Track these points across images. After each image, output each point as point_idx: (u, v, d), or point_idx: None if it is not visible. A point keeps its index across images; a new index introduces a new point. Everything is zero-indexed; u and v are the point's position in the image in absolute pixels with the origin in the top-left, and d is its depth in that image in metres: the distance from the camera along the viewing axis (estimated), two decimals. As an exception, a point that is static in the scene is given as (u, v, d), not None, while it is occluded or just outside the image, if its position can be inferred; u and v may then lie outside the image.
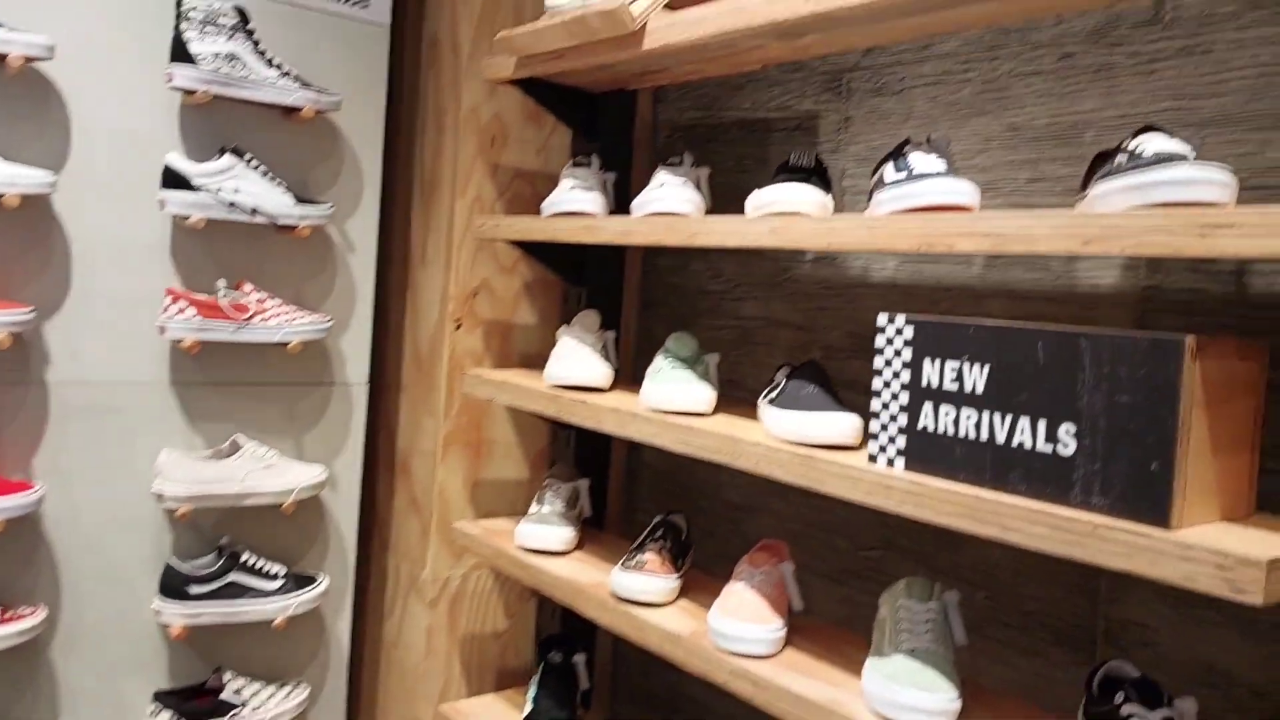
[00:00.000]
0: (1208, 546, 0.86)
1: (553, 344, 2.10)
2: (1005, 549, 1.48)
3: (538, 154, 2.04)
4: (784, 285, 1.86)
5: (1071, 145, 1.43)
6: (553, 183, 2.06)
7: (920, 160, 1.17)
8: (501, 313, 2.02)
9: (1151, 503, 0.90)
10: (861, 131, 1.73)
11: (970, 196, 1.08)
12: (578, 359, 1.66)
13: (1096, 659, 1.37)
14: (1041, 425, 0.99)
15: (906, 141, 1.23)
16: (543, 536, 1.72)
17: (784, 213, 1.28)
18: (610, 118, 1.93)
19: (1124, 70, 1.38)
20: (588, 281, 1.95)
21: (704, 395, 1.44)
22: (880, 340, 1.14)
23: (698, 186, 1.56)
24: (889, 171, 1.20)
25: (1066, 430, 0.97)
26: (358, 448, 2.00)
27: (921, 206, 1.10)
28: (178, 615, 1.69)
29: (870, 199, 1.24)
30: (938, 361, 1.08)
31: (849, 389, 1.73)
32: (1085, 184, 1.08)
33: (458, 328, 1.96)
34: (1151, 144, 0.95)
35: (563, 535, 1.73)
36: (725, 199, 1.98)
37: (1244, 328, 1.24)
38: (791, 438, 1.25)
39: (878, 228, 1.11)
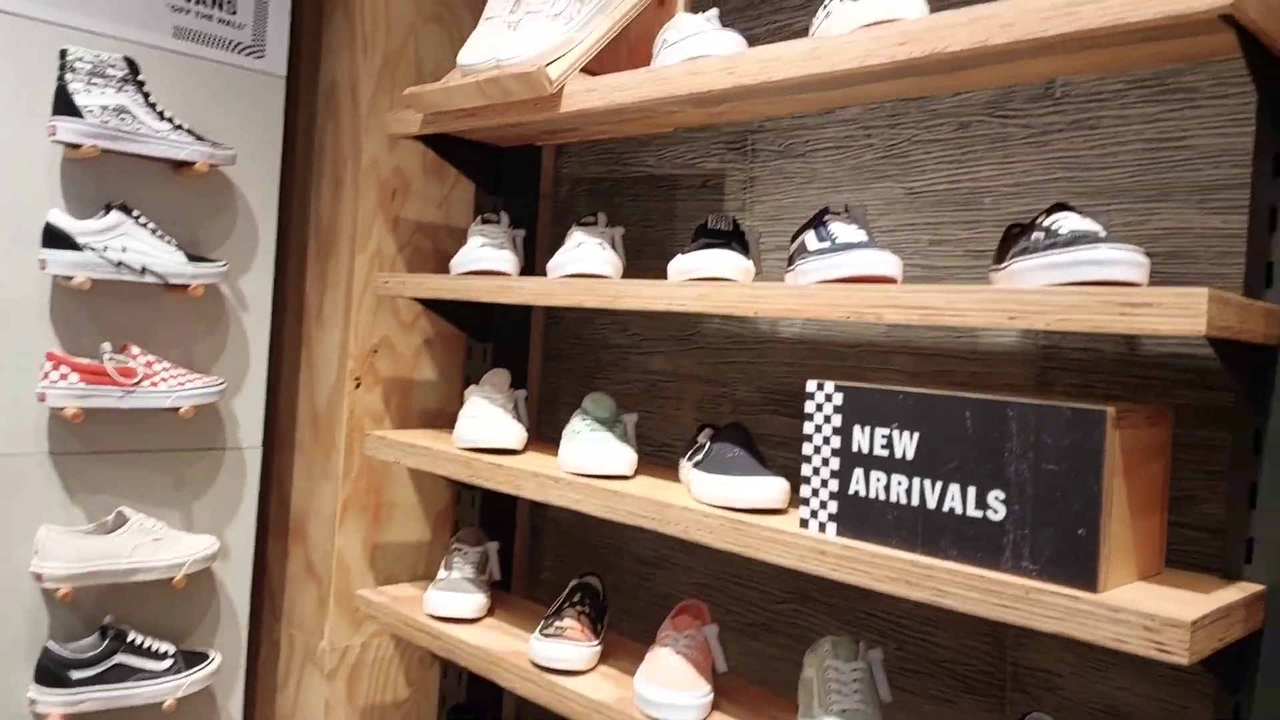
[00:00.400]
0: (1135, 609, 0.89)
1: (456, 399, 2.05)
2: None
3: (439, 207, 2.00)
4: (693, 339, 1.87)
5: (970, 210, 1.50)
6: (455, 236, 2.03)
7: (842, 230, 1.20)
8: (402, 370, 1.96)
9: (1079, 567, 0.94)
10: (767, 191, 1.77)
11: (895, 268, 1.11)
12: (490, 420, 1.62)
13: (1005, 705, 1.42)
14: (971, 492, 1.02)
15: (826, 211, 1.26)
16: (453, 604, 1.67)
17: (709, 278, 1.29)
18: (515, 172, 1.91)
19: (1018, 141, 1.45)
20: (493, 337, 1.92)
21: (625, 458, 1.43)
22: (810, 406, 1.16)
23: (613, 245, 1.56)
24: (811, 240, 1.22)
25: (995, 497, 1.00)
26: (250, 515, 1.90)
27: (849, 277, 1.12)
28: (57, 704, 1.56)
29: (791, 265, 1.26)
30: (868, 428, 1.10)
31: (763, 443, 1.75)
32: (1001, 257, 1.13)
33: (357, 386, 1.90)
34: (1067, 222, 1.00)
35: (474, 601, 1.68)
36: (633, 254, 1.98)
37: (1135, 385, 1.31)
38: (719, 502, 1.25)
39: (808, 296, 1.12)
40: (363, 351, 1.90)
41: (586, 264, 1.46)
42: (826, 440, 1.14)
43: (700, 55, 1.29)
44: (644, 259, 1.97)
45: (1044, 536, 0.96)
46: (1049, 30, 0.95)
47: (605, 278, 1.47)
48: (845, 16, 1.13)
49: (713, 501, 1.26)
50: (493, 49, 1.52)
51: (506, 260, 1.63)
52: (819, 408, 1.15)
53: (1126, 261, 0.91)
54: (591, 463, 1.42)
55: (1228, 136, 1.26)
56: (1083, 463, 0.94)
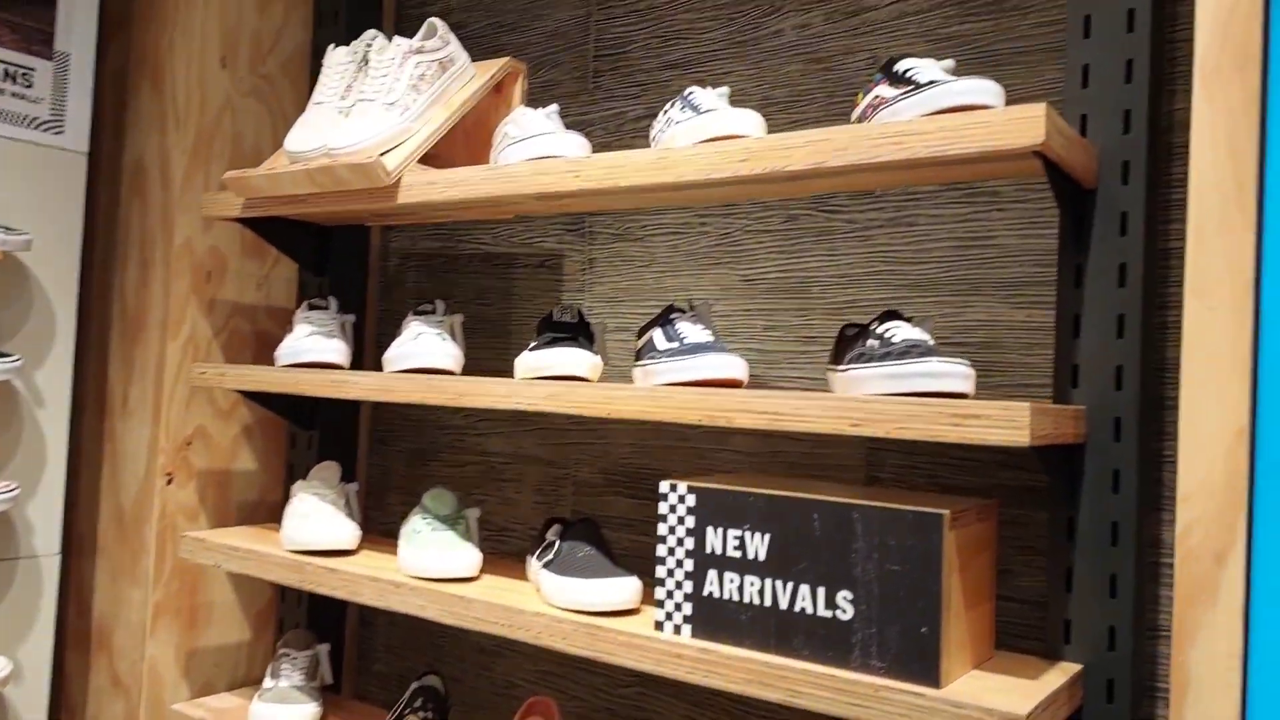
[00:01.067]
0: (977, 704, 0.94)
1: (278, 489, 1.95)
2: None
3: (259, 287, 1.91)
4: (532, 420, 1.85)
5: (801, 298, 1.57)
6: (276, 317, 1.94)
7: (689, 329, 1.22)
8: (219, 461, 1.85)
9: (923, 664, 0.98)
10: (606, 273, 1.79)
11: (742, 371, 1.14)
12: (321, 519, 1.55)
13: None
14: (821, 592, 1.05)
15: (672, 309, 1.29)
16: (283, 717, 1.57)
17: (560, 376, 1.29)
18: (343, 252, 1.85)
19: (842, 235, 1.53)
20: (319, 424, 1.84)
21: (469, 559, 1.40)
22: (663, 507, 1.17)
23: (453, 334, 1.53)
24: (659, 339, 1.24)
25: (844, 596, 1.03)
26: (48, 628, 1.73)
27: (699, 380, 1.14)
28: None
29: (640, 360, 1.28)
30: (720, 530, 1.12)
31: (607, 525, 1.74)
32: (838, 358, 1.18)
33: (169, 482, 1.77)
34: (900, 332, 1.06)
35: (305, 712, 1.59)
36: (468, 333, 1.95)
37: (956, 465, 1.40)
38: (571, 605, 1.24)
39: (661, 399, 1.14)
40: (175, 445, 1.77)
41: (427, 358, 1.42)
42: (680, 541, 1.15)
43: (546, 156, 1.29)
44: (479, 336, 1.94)
45: (890, 635, 1.00)
46: (880, 157, 1.01)
47: (448, 373, 1.44)
48: (689, 130, 1.16)
49: (565, 605, 1.24)
50: (323, 136, 1.47)
51: (337, 351, 1.56)
52: (672, 509, 1.16)
53: (955, 374, 0.98)
54: (434, 565, 1.38)
55: (1029, 238, 1.38)
56: (923, 563, 0.99)
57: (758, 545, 1.09)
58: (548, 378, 1.29)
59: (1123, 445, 1.06)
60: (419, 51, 1.48)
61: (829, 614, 1.04)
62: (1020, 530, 1.35)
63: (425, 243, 2.04)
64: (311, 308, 1.66)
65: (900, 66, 1.10)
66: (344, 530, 1.54)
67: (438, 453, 1.98)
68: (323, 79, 1.53)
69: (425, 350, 1.42)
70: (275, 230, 1.75)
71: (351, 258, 1.88)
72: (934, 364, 0.97)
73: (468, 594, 1.30)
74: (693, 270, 1.68)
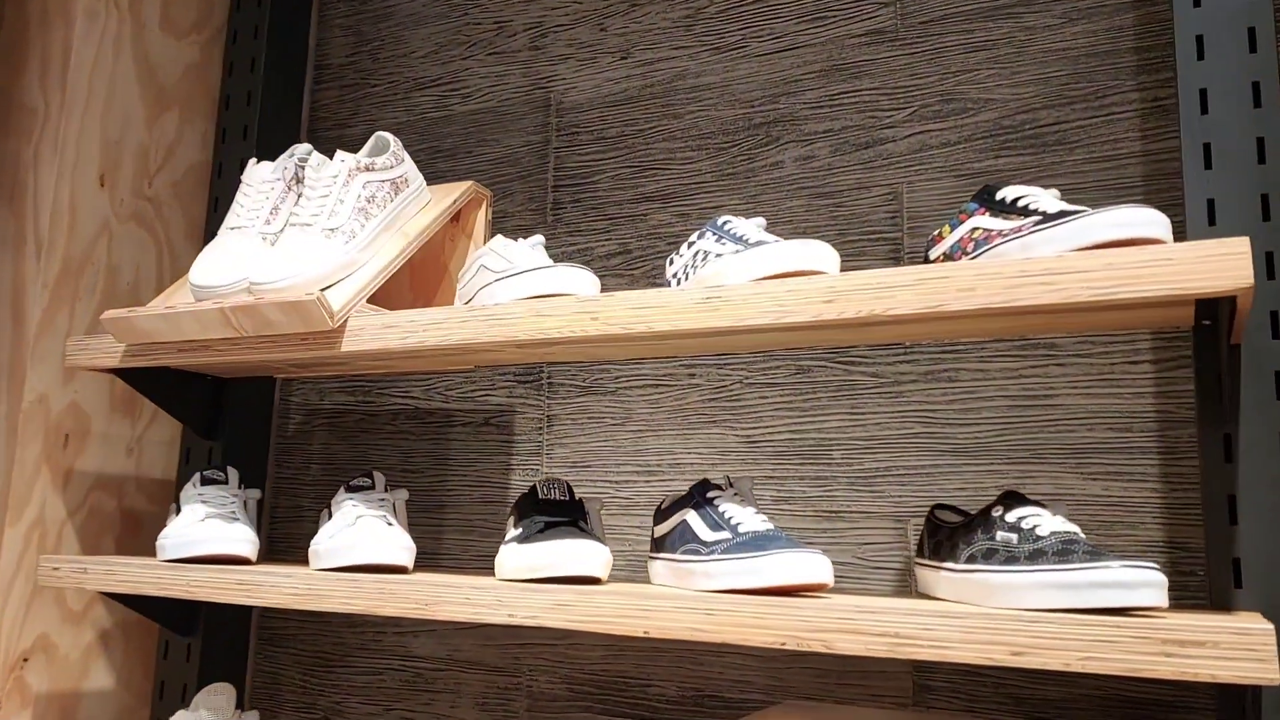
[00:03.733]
0: None
1: (142, 714, 1.52)
2: None
3: (129, 454, 1.54)
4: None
5: (819, 465, 1.33)
6: (149, 492, 1.56)
7: (740, 513, 0.96)
8: (66, 680, 1.43)
9: None
10: (569, 433, 1.51)
11: (830, 573, 0.88)
12: (216, 763, 1.16)
13: None
14: None
15: (707, 486, 1.02)
16: None
17: (565, 577, 0.99)
18: (239, 410, 1.51)
19: (867, 390, 1.32)
20: (201, 629, 1.45)
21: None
22: (726, 762, 0.87)
23: (397, 517, 1.21)
24: (699, 526, 0.97)
25: None
26: None
27: (773, 588, 0.87)
28: None
29: (671, 555, 1.00)
30: (815, 794, 0.83)
31: (571, 750, 1.41)
32: (939, 552, 0.93)
33: (-3, 709, 1.34)
34: (1042, 521, 0.83)
35: None
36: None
37: (1028, 671, 1.15)
38: None
39: (721, 615, 0.86)
40: (9, 662, 1.35)
41: (375, 551, 1.10)
42: (755, 810, 0.85)
43: (550, 294, 1.03)
44: (408, 512, 1.61)
45: None
46: (1020, 300, 0.80)
47: (400, 570, 1.12)
48: (744, 265, 0.93)
49: None
50: (244, 268, 1.16)
51: (244, 541, 1.21)
52: (740, 763, 0.86)
53: (1150, 583, 0.74)
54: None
55: (1095, 397, 1.19)
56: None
57: (873, 816, 0.80)
58: (549, 579, 0.99)
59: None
60: (367, 169, 1.21)
61: None
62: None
63: (336, 397, 1.72)
64: (205, 482, 1.31)
65: (1006, 194, 0.91)
66: (247, 782, 1.15)
67: (345, 657, 1.60)
68: (241, 199, 1.24)
69: (372, 542, 1.10)
70: (158, 383, 1.41)
71: (250, 418, 1.54)
72: (1119, 570, 0.74)
73: None
74: (680, 429, 1.43)
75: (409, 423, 1.65)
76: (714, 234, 1.03)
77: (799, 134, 1.42)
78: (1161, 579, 0.75)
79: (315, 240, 1.14)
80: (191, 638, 1.44)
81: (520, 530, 1.07)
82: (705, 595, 0.88)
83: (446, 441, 1.62)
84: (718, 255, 0.99)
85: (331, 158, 1.34)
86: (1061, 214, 0.84)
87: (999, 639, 0.76)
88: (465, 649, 1.52)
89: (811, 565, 0.87)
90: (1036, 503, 0.88)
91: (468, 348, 1.07)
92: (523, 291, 1.04)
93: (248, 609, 1.55)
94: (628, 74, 1.56)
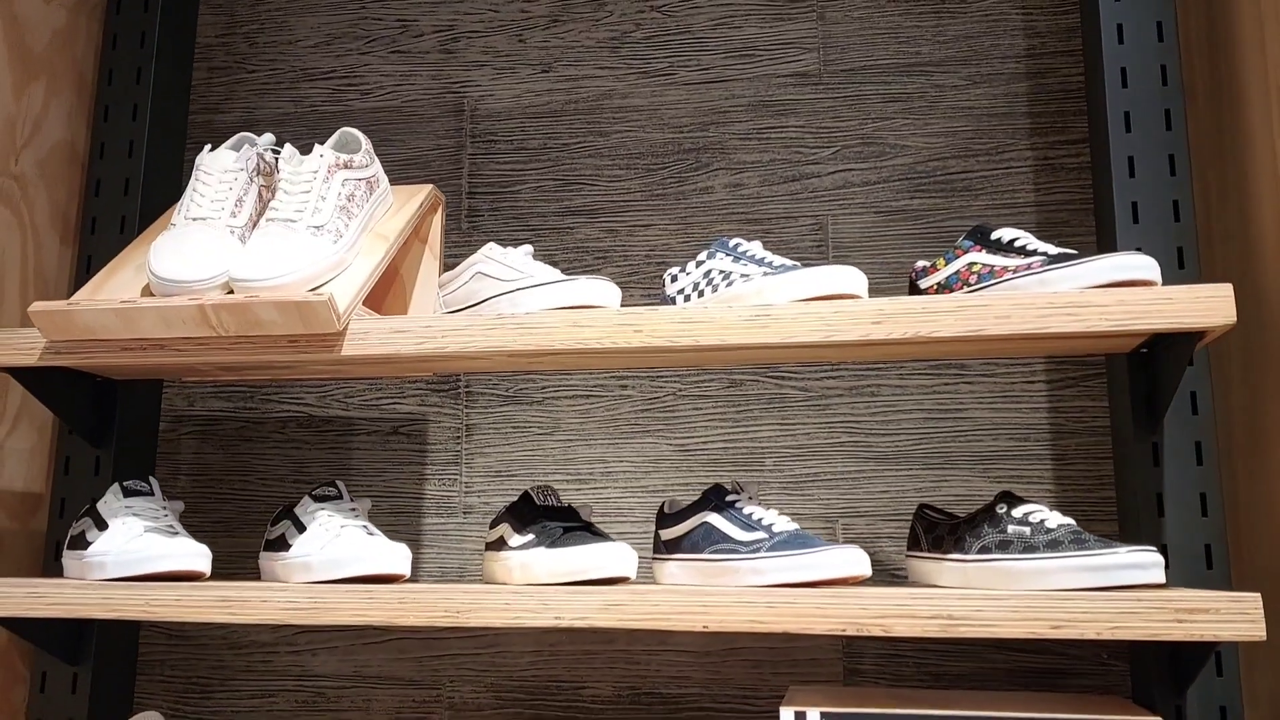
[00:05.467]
0: None
1: (4, 758, 1.34)
2: None
3: (-10, 463, 1.35)
4: (382, 629, 1.47)
5: (752, 471, 1.43)
6: (9, 507, 1.37)
7: (767, 516, 1.04)
8: (-83, 724, 1.23)
9: None
10: (491, 442, 1.51)
11: (869, 567, 0.98)
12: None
13: None
14: (1019, 829, 0.89)
15: (722, 490, 1.09)
16: None
17: (599, 580, 1.02)
18: (130, 414, 1.37)
19: (797, 403, 1.43)
20: (91, 654, 1.30)
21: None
22: (786, 744, 0.94)
23: (369, 520, 1.17)
24: (729, 528, 1.03)
25: (1051, 831, 0.89)
26: None
27: (823, 580, 0.96)
28: None
29: (694, 555, 1.05)
30: (873, 765, 0.92)
31: (505, 759, 1.41)
32: (941, 545, 1.06)
33: None
34: (1048, 516, 0.98)
35: None
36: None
37: (944, 652, 1.31)
38: None
39: (781, 607, 0.93)
40: None
41: (375, 561, 1.06)
42: (816, 785, 0.93)
43: (580, 305, 1.05)
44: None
45: None
46: (1049, 328, 0.94)
47: (395, 579, 1.09)
48: (786, 286, 1.01)
49: None
50: (220, 263, 1.08)
51: (199, 555, 1.12)
52: (800, 744, 0.94)
53: (1158, 565, 0.91)
54: None
55: (1000, 411, 1.38)
56: (1148, 782, 0.88)
57: (928, 779, 0.91)
58: (584, 582, 1.02)
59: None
60: (346, 166, 1.17)
61: None
62: None
63: (209, 403, 1.60)
64: (129, 493, 1.19)
65: (1001, 235, 1.06)
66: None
67: (227, 681, 1.49)
68: (201, 189, 1.15)
69: (374, 551, 1.06)
70: (48, 382, 1.25)
71: (140, 423, 1.40)
72: (1141, 554, 0.90)
73: None
74: (611, 439, 1.48)
75: (301, 431, 1.57)
76: (727, 255, 1.10)
77: (729, 162, 1.52)
78: (1162, 560, 0.91)
79: (302, 238, 1.09)
80: (80, 666, 1.29)
81: (533, 536, 1.08)
82: (764, 589, 0.95)
83: (348, 451, 1.56)
84: (744, 276, 1.06)
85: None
86: (1063, 256, 0.99)
87: (1040, 616, 0.90)
88: (374, 664, 1.47)
89: (859, 559, 0.96)
90: (1033, 501, 1.03)
91: (474, 354, 1.07)
92: (553, 302, 1.05)
93: (135, 634, 1.41)
94: (550, 87, 1.59)
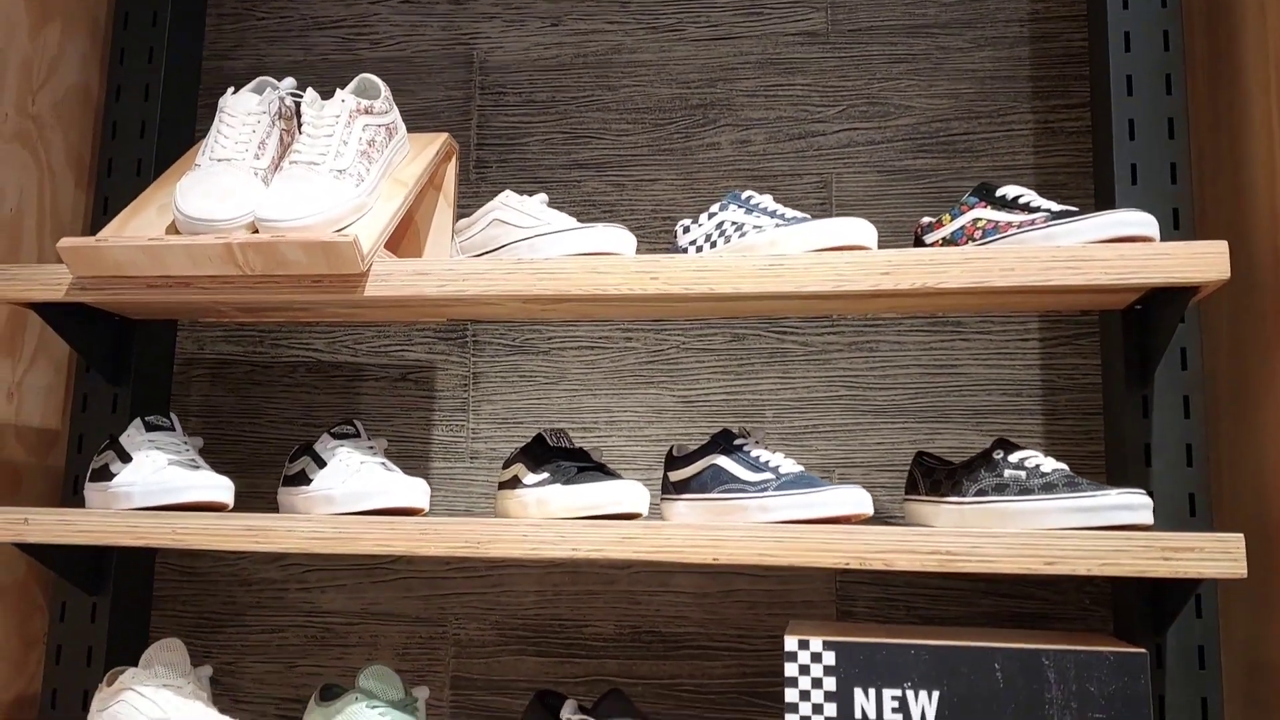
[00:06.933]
0: None
1: (34, 682, 1.37)
2: None
3: (8, 399, 1.37)
4: (390, 568, 1.52)
5: (753, 423, 1.47)
6: (29, 443, 1.40)
7: (774, 458, 1.08)
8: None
9: (1140, 818, 0.92)
10: (498, 390, 1.54)
11: (871, 505, 1.02)
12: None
13: None
14: (1009, 751, 0.95)
15: (729, 434, 1.13)
16: None
17: (614, 515, 1.06)
18: (147, 354, 1.40)
19: (797, 357, 1.48)
20: (110, 585, 1.34)
21: (463, 756, 1.07)
22: (791, 669, 0.99)
23: (384, 456, 1.20)
24: (736, 469, 1.07)
25: (1039, 753, 0.94)
26: None
27: (827, 518, 1.00)
28: None
29: (691, 496, 1.10)
30: (873, 691, 0.97)
31: (508, 693, 1.46)
32: (938, 489, 1.11)
33: None
34: (1043, 461, 1.03)
35: None
36: (278, 463, 1.56)
37: (934, 595, 1.37)
38: (656, 803, 0.99)
39: (789, 541, 0.97)
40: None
41: (397, 494, 1.10)
42: (818, 708, 0.98)
43: (599, 252, 1.08)
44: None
45: (1097, 791, 0.93)
46: (1051, 280, 0.98)
47: (420, 512, 1.13)
48: (798, 237, 1.04)
49: (645, 803, 0.99)
50: (246, 202, 1.11)
51: (223, 486, 1.16)
52: (804, 670, 0.99)
53: (1147, 506, 0.96)
54: (420, 772, 1.04)
55: (994, 368, 1.42)
56: (1131, 708, 0.93)
57: (924, 705, 0.96)
58: (599, 517, 1.06)
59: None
60: (367, 112, 1.19)
61: (1021, 775, 0.94)
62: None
63: (219, 346, 1.62)
64: (151, 428, 1.22)
65: (1006, 192, 1.10)
66: (232, 738, 1.11)
67: (237, 616, 1.53)
68: (224, 130, 1.17)
69: (395, 486, 1.10)
70: (69, 320, 1.28)
71: (156, 363, 1.43)
72: (1130, 496, 0.95)
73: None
74: (616, 389, 1.52)
75: (311, 376, 1.60)
76: (740, 206, 1.13)
77: (735, 119, 1.54)
78: (1150, 502, 0.96)
79: (326, 180, 1.11)
80: (99, 596, 1.33)
81: (548, 475, 1.12)
82: (773, 525, 0.99)
83: (356, 396, 1.59)
84: (756, 228, 1.09)
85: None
86: (1065, 212, 1.03)
87: (1034, 553, 0.95)
88: (382, 601, 1.51)
89: (862, 498, 1.01)
90: (1026, 448, 1.07)
91: (490, 298, 1.10)
92: (572, 248, 1.09)
93: (151, 567, 1.44)
94: (559, 41, 1.61)
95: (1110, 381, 1.25)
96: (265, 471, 1.56)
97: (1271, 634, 1.08)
